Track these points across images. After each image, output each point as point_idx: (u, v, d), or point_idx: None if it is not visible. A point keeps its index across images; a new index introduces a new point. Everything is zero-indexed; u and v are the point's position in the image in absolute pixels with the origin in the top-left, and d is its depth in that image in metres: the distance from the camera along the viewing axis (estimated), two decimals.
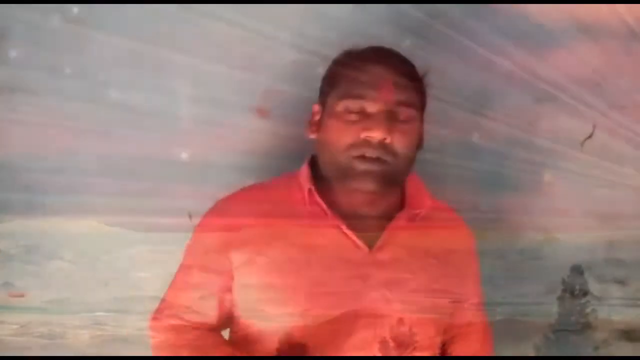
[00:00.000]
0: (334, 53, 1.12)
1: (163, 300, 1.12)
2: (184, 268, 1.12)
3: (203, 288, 1.08)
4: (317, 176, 1.08)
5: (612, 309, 1.46)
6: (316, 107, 1.10)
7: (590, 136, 1.36)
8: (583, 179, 1.38)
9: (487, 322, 1.22)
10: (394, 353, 1.04)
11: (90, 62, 1.25)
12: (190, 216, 1.28)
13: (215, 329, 1.10)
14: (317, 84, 1.12)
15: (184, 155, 1.31)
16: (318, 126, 1.08)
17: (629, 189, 1.39)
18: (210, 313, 1.08)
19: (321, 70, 1.13)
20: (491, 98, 1.35)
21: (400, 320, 1.04)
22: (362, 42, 1.10)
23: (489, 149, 1.37)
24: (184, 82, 1.29)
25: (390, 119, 1.01)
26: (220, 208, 1.10)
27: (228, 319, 1.10)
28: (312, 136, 1.10)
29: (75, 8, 1.21)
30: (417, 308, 1.05)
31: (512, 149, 1.38)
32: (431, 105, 1.11)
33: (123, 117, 1.28)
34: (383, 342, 1.04)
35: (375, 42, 1.10)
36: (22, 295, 1.36)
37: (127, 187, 1.31)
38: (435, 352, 1.11)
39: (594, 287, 1.47)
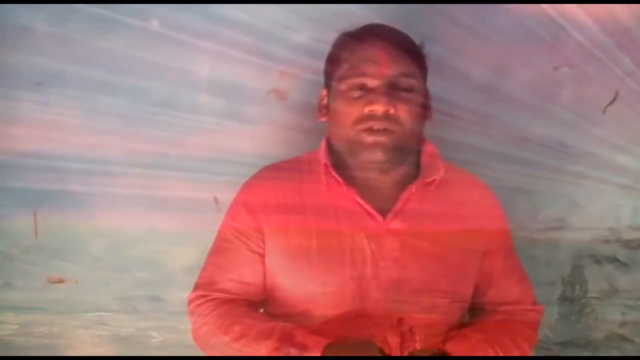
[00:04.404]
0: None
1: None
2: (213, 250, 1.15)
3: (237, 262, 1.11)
4: (334, 152, 1.13)
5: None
6: (323, 92, 1.15)
7: (612, 102, 1.35)
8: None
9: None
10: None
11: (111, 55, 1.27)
12: (216, 200, 1.33)
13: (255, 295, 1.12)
14: None
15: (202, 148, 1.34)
16: (327, 109, 1.14)
17: None
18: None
19: None
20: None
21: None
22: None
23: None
24: (201, 70, 1.31)
25: (391, 90, 1.06)
26: (243, 191, 1.15)
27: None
28: (323, 119, 1.15)
29: None
30: (431, 277, 1.07)
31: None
32: None
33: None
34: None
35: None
36: (62, 281, 1.37)
37: (134, 184, 1.33)
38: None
39: (620, 253, 1.45)
